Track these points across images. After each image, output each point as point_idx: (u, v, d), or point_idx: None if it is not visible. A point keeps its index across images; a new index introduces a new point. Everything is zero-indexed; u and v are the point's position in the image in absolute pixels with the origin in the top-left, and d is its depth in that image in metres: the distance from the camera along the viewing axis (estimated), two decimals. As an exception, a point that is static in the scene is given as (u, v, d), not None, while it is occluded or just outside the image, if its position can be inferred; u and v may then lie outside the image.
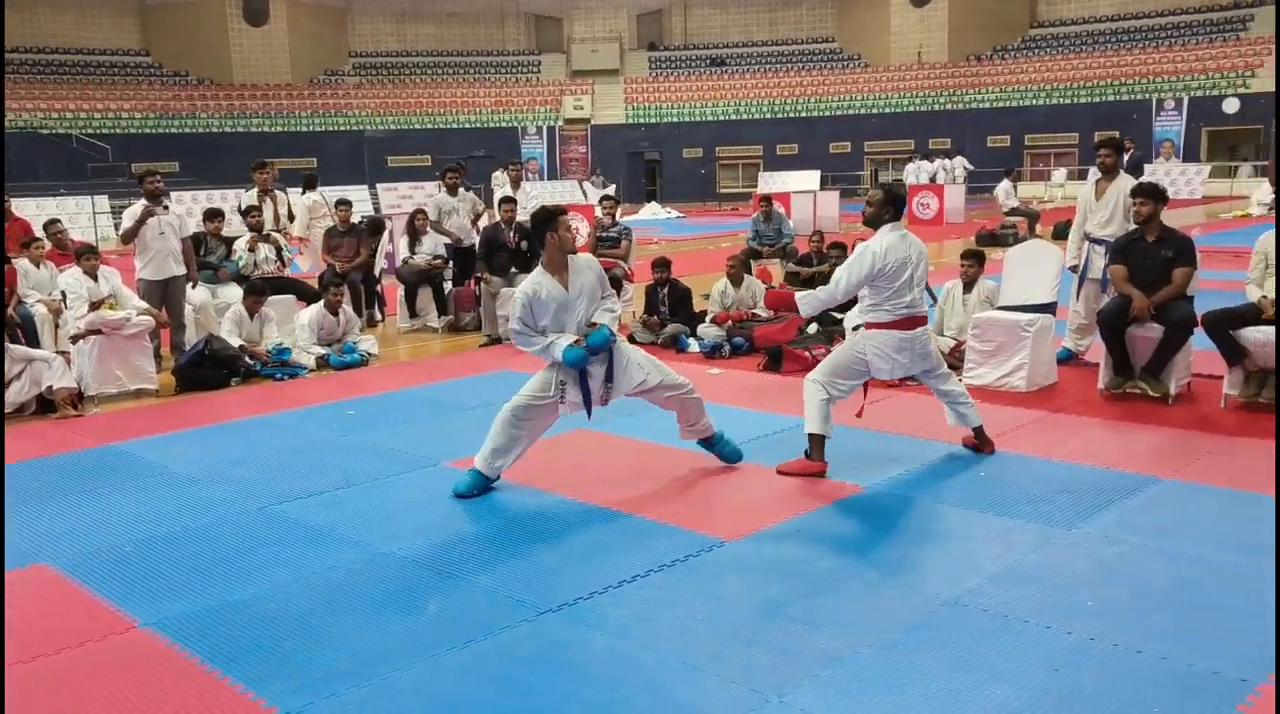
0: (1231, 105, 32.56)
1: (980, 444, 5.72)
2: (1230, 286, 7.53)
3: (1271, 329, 6.23)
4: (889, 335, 5.37)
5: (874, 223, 5.41)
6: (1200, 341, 6.61)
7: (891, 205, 5.41)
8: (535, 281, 5.18)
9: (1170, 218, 7.09)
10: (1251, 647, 3.40)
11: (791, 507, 4.93)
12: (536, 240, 5.27)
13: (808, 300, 5.53)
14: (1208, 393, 6.73)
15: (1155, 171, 28.25)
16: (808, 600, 3.89)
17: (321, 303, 9.11)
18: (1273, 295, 6.34)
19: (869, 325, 5.45)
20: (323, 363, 8.75)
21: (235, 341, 8.46)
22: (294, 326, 9.06)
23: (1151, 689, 3.17)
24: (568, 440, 6.03)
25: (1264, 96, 32.24)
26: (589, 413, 5.29)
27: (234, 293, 9.31)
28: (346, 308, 9.35)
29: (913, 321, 5.40)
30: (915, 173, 28.51)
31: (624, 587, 4.04)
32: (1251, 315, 6.36)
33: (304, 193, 12.97)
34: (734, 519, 4.81)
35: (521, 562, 4.36)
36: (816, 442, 5.43)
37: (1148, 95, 34.75)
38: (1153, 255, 6.74)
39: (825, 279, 9.19)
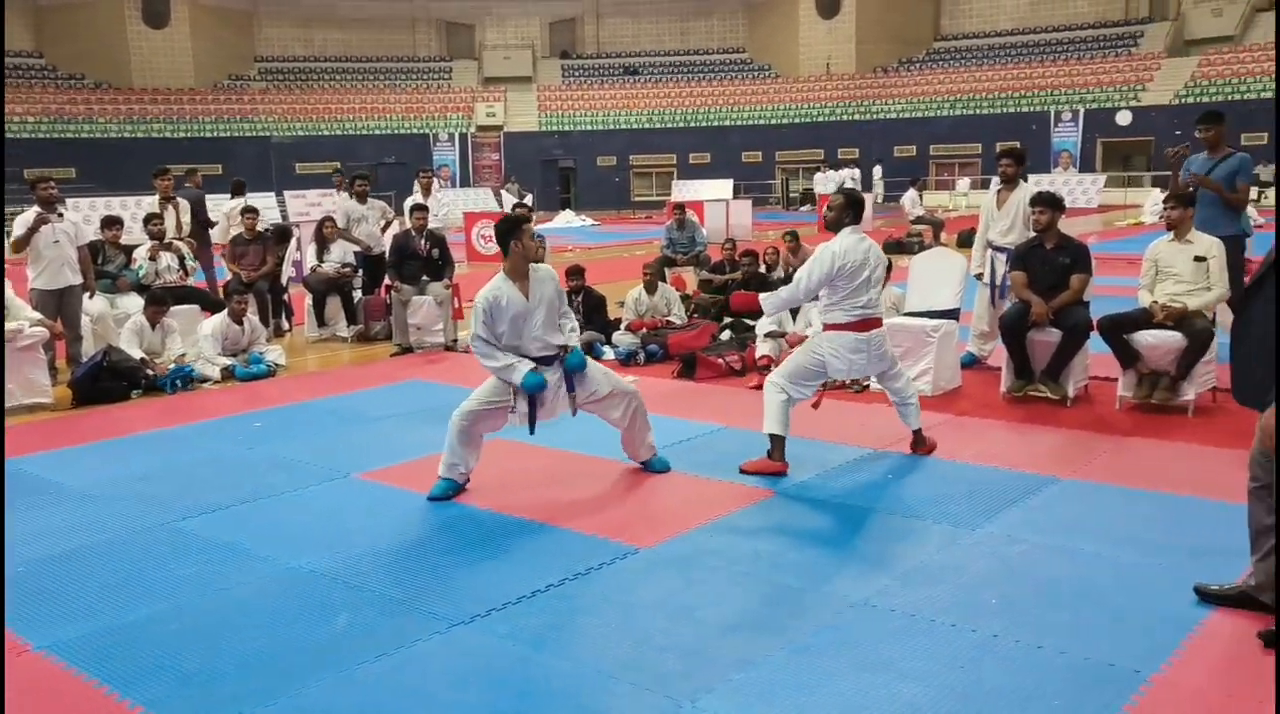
0: (1124, 118, 33.79)
1: (917, 444, 5.91)
2: (1124, 292, 7.81)
3: (1162, 332, 6.49)
4: (846, 336, 5.53)
5: (835, 226, 5.62)
6: (1096, 345, 6.84)
7: (852, 209, 5.63)
8: (496, 287, 5.18)
9: (1068, 226, 7.33)
10: (1144, 639, 3.53)
11: (705, 512, 4.96)
12: (501, 247, 5.28)
13: (771, 300, 5.80)
14: (1104, 395, 6.97)
15: (1054, 181, 29.25)
16: (720, 605, 3.92)
17: (225, 312, 8.89)
18: (1163, 300, 6.60)
19: (827, 326, 5.61)
20: (228, 374, 8.54)
21: (136, 353, 8.20)
22: (197, 337, 8.82)
23: (1051, 683, 3.27)
24: (482, 450, 5.97)
25: (1154, 109, 33.59)
26: (532, 428, 5.32)
27: (134, 303, 9.04)
28: (252, 317, 9.15)
29: (869, 323, 5.57)
30: (824, 182, 29.05)
31: (537, 596, 4.03)
32: (1143, 320, 6.61)
33: (232, 198, 12.90)
34: (648, 526, 4.82)
35: (434, 573, 4.31)
36: (777, 442, 5.56)
37: (1046, 107, 35.89)
38: (1051, 262, 6.96)
39: (741, 286, 9.35)
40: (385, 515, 5.06)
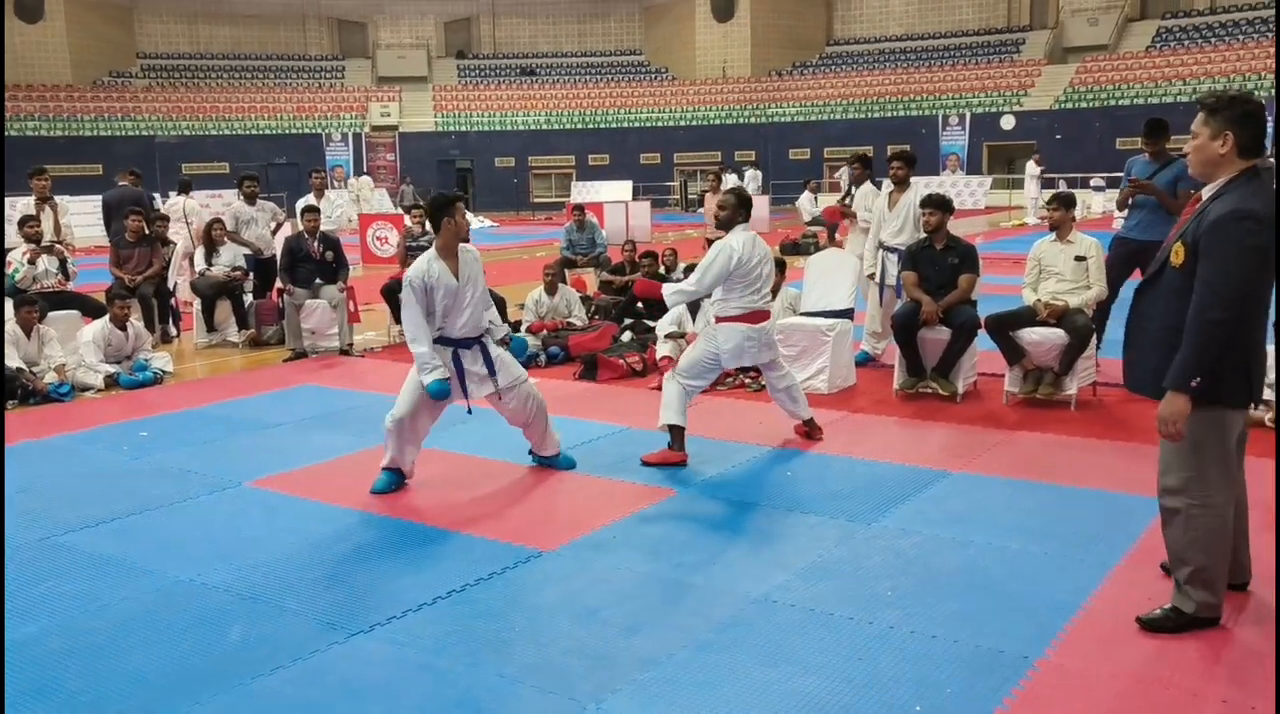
0: (1008, 122, 34.96)
1: (810, 431, 6.17)
2: (1010, 291, 8.08)
3: (1046, 329, 6.74)
4: (738, 327, 5.78)
5: (727, 225, 5.84)
6: (984, 342, 7.06)
7: (743, 209, 5.87)
8: (428, 262, 5.21)
9: (956, 227, 7.55)
10: (1031, 625, 3.66)
11: (607, 513, 4.97)
12: (433, 224, 5.31)
13: (673, 293, 5.95)
14: (991, 390, 7.21)
15: (943, 183, 30.05)
16: (623, 605, 3.93)
17: (107, 318, 8.55)
18: (1046, 298, 6.84)
19: (719, 319, 5.84)
20: (111, 382, 8.22)
21: (13, 362, 7.83)
22: (78, 344, 8.46)
23: (945, 670, 3.37)
24: (377, 455, 5.87)
25: (1036, 114, 34.83)
26: (469, 406, 5.42)
27: (7, 309, 8.63)
28: (136, 322, 8.82)
29: (759, 315, 5.84)
30: (751, 181, 29.44)
31: (439, 603, 3.98)
32: (1027, 317, 6.85)
33: (178, 196, 12.93)
34: (551, 529, 4.81)
35: (331, 583, 4.22)
36: (677, 433, 5.72)
37: (934, 111, 36.91)
38: (940, 262, 7.16)
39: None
40: (280, 524, 4.94)
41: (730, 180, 29.87)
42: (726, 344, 5.79)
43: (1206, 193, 3.49)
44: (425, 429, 5.45)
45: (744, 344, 5.80)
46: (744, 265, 5.66)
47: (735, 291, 5.74)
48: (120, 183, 11.75)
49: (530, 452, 5.79)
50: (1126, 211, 7.49)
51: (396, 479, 5.38)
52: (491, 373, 5.39)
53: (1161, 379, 3.42)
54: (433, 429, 5.55)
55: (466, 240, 5.48)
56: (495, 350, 5.46)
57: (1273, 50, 33.00)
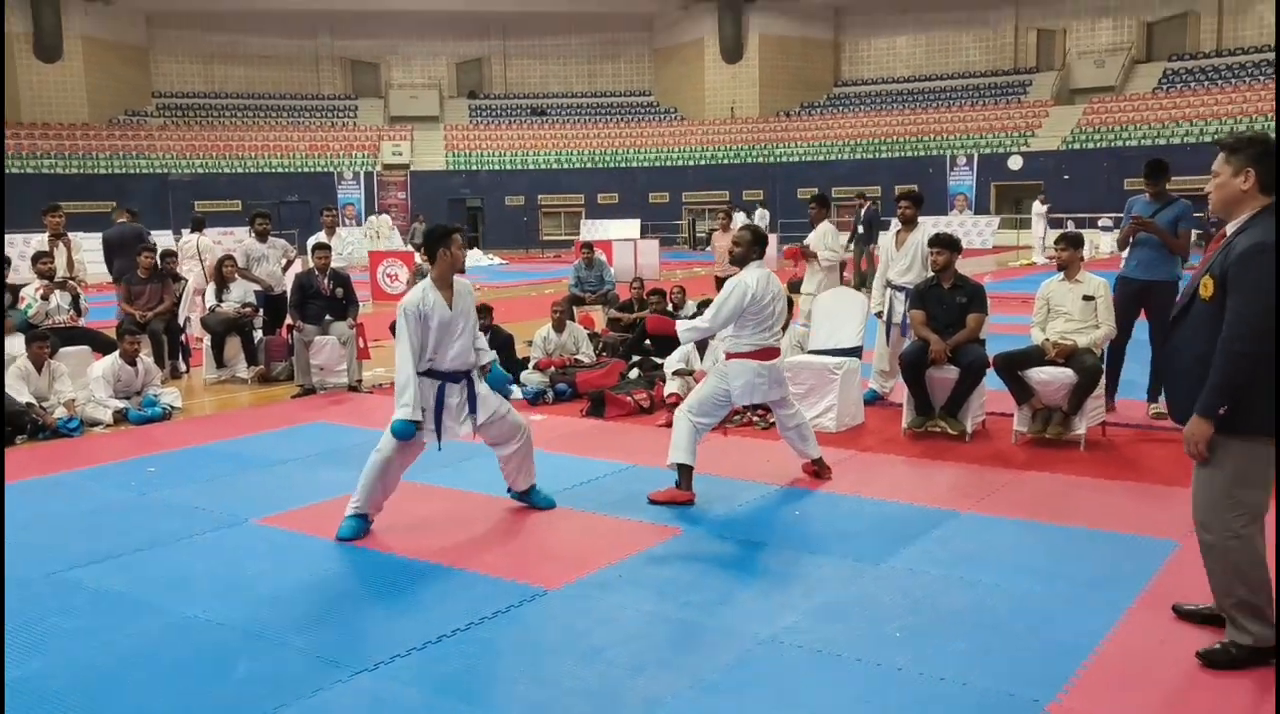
0: (1016, 162, 35.10)
1: (819, 471, 6.14)
2: (1018, 330, 8.07)
3: (1054, 369, 6.72)
4: (748, 364, 5.77)
5: (742, 261, 5.85)
6: (992, 382, 7.05)
7: (758, 245, 5.90)
8: (423, 291, 5.23)
9: (964, 266, 7.56)
10: (1042, 668, 3.62)
11: (613, 552, 4.95)
12: (429, 255, 5.34)
13: (686, 329, 5.99)
14: (1000, 430, 7.18)
15: (951, 223, 30.15)
16: (628, 645, 3.90)
17: (117, 353, 8.59)
18: (1054, 338, 6.83)
19: (729, 355, 5.84)
20: (121, 417, 8.24)
21: (23, 397, 7.86)
22: (88, 380, 8.49)
23: (954, 713, 3.33)
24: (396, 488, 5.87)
25: (1043, 154, 34.97)
26: (439, 442, 5.34)
27: (20, 345, 8.66)
28: (145, 358, 8.86)
29: (770, 352, 5.85)
30: (762, 219, 29.70)
31: (444, 641, 3.95)
32: (1036, 357, 6.84)
33: (191, 233, 12.88)
34: (556, 567, 4.79)
35: (335, 620, 4.20)
36: (685, 472, 5.70)
37: (942, 152, 37.07)
38: (948, 301, 7.17)
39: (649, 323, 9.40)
40: (286, 561, 4.92)
41: (740, 219, 30.16)
42: (737, 381, 5.78)
43: (1231, 228, 3.58)
44: (405, 467, 5.35)
45: (754, 381, 5.79)
46: (757, 302, 5.68)
47: (747, 328, 5.75)
48: (119, 220, 11.83)
49: (508, 489, 5.71)
50: (1127, 250, 7.50)
51: (363, 526, 5.25)
52: (473, 411, 5.34)
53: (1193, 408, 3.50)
54: (435, 466, 5.54)
55: (462, 272, 5.50)
56: (481, 387, 5.41)
57: (1279, 92, 33.17)
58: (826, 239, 9.02)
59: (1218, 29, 38.03)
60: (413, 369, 5.16)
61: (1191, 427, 3.50)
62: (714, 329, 5.89)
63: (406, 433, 5.13)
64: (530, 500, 5.67)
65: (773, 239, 26.67)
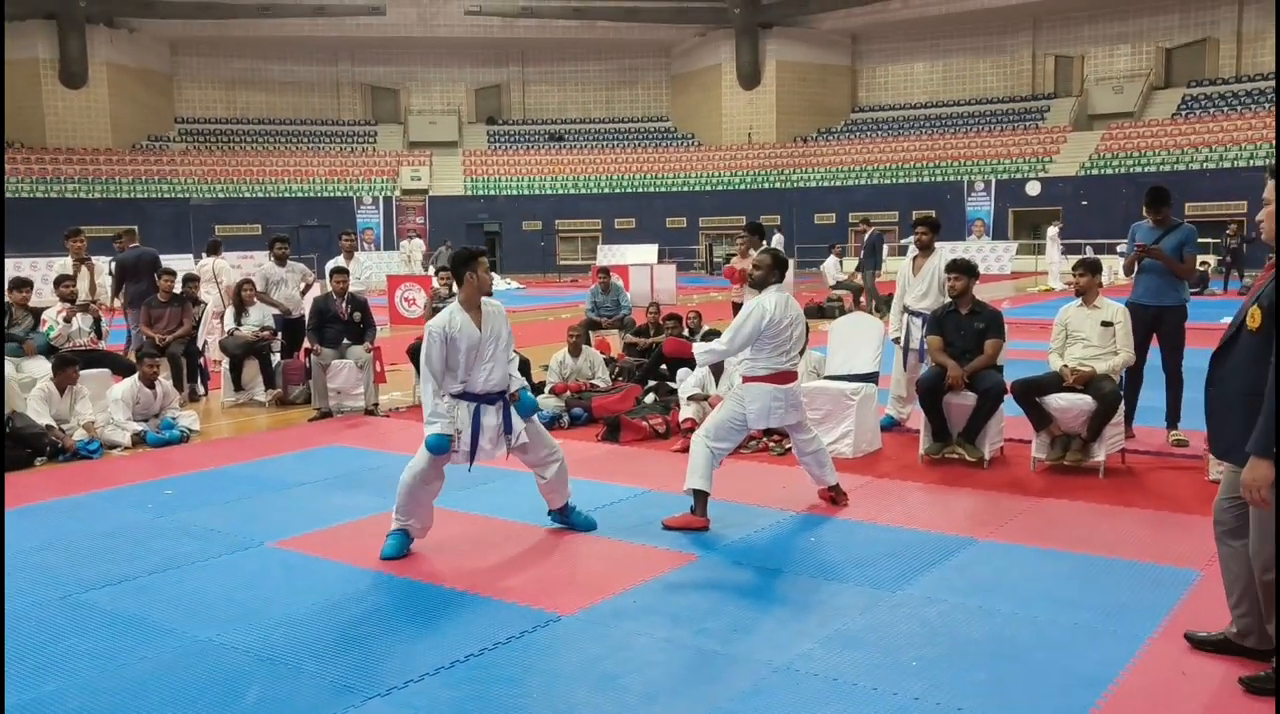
0: (1034, 188, 35.04)
1: (835, 498, 6.10)
2: (1036, 356, 8.03)
3: (1073, 395, 6.67)
4: (764, 387, 5.77)
5: (761, 285, 5.85)
6: (1010, 408, 7.00)
7: (778, 269, 5.88)
8: (450, 313, 5.28)
9: (981, 292, 7.53)
10: (1061, 699, 3.57)
11: (627, 578, 4.92)
12: (455, 278, 5.37)
13: (704, 352, 5.99)
14: (1018, 456, 7.12)
15: (968, 249, 30.12)
16: (643, 673, 3.87)
17: (136, 376, 8.65)
18: (1073, 364, 6.79)
19: (746, 378, 5.83)
20: (139, 440, 8.28)
21: (43, 420, 7.91)
22: (107, 402, 8.54)
23: (972, 745, 3.28)
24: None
25: (1062, 180, 34.92)
26: (470, 464, 5.39)
27: (41, 367, 8.74)
28: (164, 381, 8.92)
29: (786, 376, 5.83)
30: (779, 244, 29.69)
31: (457, 667, 3.94)
32: (1054, 383, 6.79)
33: (208, 257, 13.16)
34: (570, 593, 4.76)
35: (349, 644, 4.19)
36: (700, 498, 5.68)
37: (959, 177, 37.07)
38: (966, 327, 7.14)
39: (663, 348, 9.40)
40: (300, 585, 4.92)
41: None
42: (753, 405, 5.77)
43: None
44: (438, 487, 5.40)
45: (770, 405, 5.77)
46: (775, 326, 5.68)
47: (764, 352, 5.74)
48: (131, 245, 11.93)
49: (549, 511, 5.76)
50: (1134, 277, 7.46)
51: (407, 542, 5.32)
52: (508, 431, 5.39)
53: (1245, 445, 3.38)
54: (452, 490, 5.53)
55: (489, 294, 5.52)
56: (512, 410, 5.46)
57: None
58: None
59: (1237, 55, 37.97)
60: (435, 387, 5.20)
61: (1250, 470, 3.33)
62: (731, 352, 5.88)
63: (441, 447, 5.16)
64: (569, 521, 5.70)
65: (792, 266, 26.83)
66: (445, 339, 5.20)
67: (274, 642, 4.22)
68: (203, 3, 40.82)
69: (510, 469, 7.10)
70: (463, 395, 5.29)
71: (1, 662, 3.75)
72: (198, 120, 43.87)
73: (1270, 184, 3.52)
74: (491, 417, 5.33)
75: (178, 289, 10.70)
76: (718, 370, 8.21)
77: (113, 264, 11.59)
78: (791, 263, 27.02)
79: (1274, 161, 3.95)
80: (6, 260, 17.07)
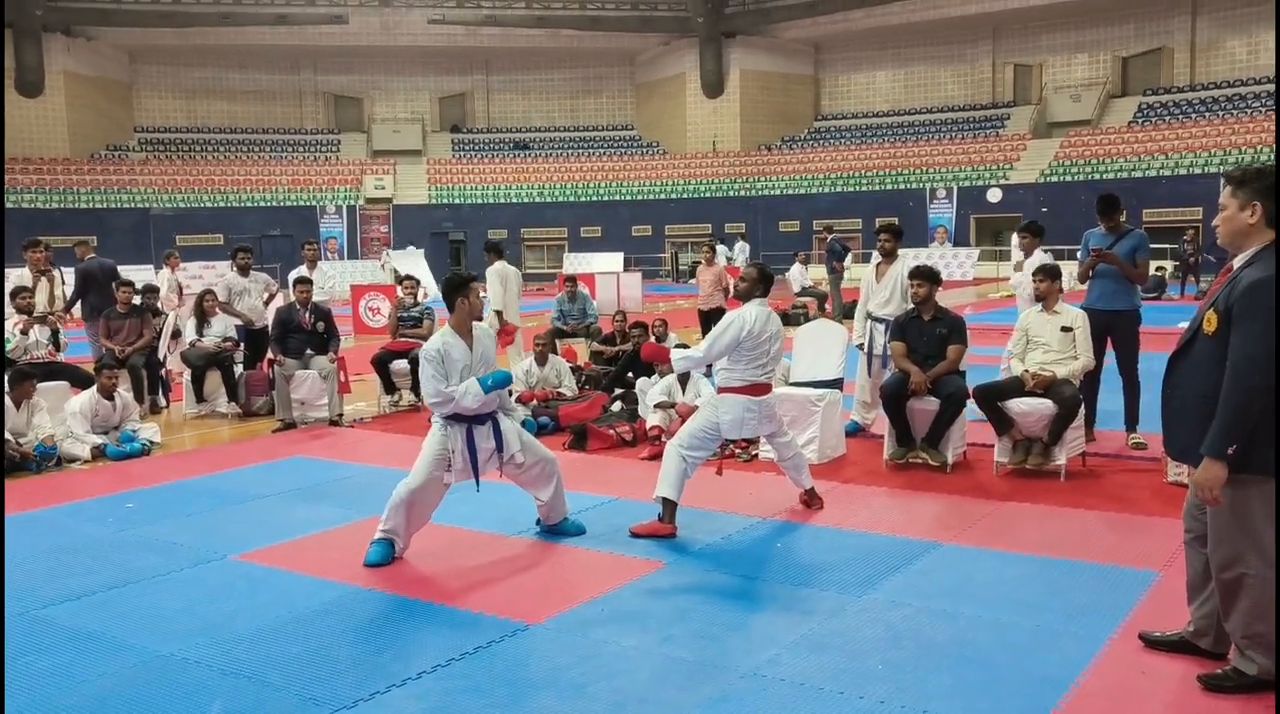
0: (995, 195, 35.43)
1: (810, 501, 6.19)
2: (998, 361, 8.10)
3: (1034, 400, 6.75)
4: (739, 399, 5.84)
5: (745, 297, 5.96)
6: (973, 412, 7.07)
7: (763, 283, 6.00)
8: (444, 339, 5.42)
9: (944, 298, 7.60)
10: (1024, 701, 3.61)
11: (595, 586, 4.92)
12: (448, 304, 5.51)
13: (681, 358, 6.10)
14: (981, 461, 7.19)
15: (931, 255, 30.36)
16: (610, 681, 3.87)
17: (94, 388, 8.53)
18: (1033, 369, 6.87)
19: (722, 389, 5.91)
20: (98, 453, 8.17)
21: (-2, 433, 7.78)
22: (65, 415, 8.42)
23: (937, 747, 3.31)
24: (364, 528, 5.82)
25: (1022, 187, 35.32)
26: (477, 482, 5.47)
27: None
28: (124, 393, 8.80)
29: (762, 388, 5.91)
30: (740, 253, 29.94)
31: (423, 678, 3.92)
32: (1015, 388, 6.87)
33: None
34: (538, 601, 4.75)
35: (314, 657, 4.16)
36: (669, 506, 5.72)
37: (922, 185, 37.40)
38: (929, 332, 7.21)
39: (632, 357, 9.42)
40: (264, 598, 4.87)
41: (720, 251, 30.37)
42: (727, 416, 5.83)
43: (1237, 262, 3.57)
44: (434, 505, 5.44)
45: (744, 416, 5.84)
46: (754, 337, 5.76)
47: (740, 363, 5.81)
48: (90, 256, 11.74)
49: (537, 522, 5.79)
50: (1088, 284, 7.57)
51: (390, 552, 5.32)
52: (499, 448, 5.47)
53: (1195, 448, 3.46)
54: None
55: (479, 318, 5.65)
56: (504, 422, 5.55)
57: (1250, 126, 33.68)
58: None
59: (1190, 64, 38.63)
60: (446, 384, 5.29)
61: (1203, 471, 3.42)
62: (708, 359, 5.96)
63: (506, 378, 5.39)
64: (561, 529, 5.76)
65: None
66: (442, 361, 5.32)
67: (237, 655, 4.18)
68: (162, 11, 40.47)
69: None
70: (455, 417, 5.37)
71: (1, 662, 3.69)
72: (158, 129, 43.39)
73: (1227, 189, 3.59)
74: (484, 437, 5.43)
75: (137, 300, 10.58)
76: (684, 379, 8.23)
77: (73, 275, 11.43)
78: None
79: (1235, 167, 3.95)
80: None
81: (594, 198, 41.08)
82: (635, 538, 5.62)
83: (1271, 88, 35.84)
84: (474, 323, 5.53)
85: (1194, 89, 38.18)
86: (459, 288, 5.46)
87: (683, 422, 7.87)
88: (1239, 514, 3.50)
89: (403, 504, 5.28)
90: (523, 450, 5.57)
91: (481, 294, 5.83)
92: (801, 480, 6.19)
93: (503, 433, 5.49)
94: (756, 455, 7.54)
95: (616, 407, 8.92)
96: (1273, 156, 30.19)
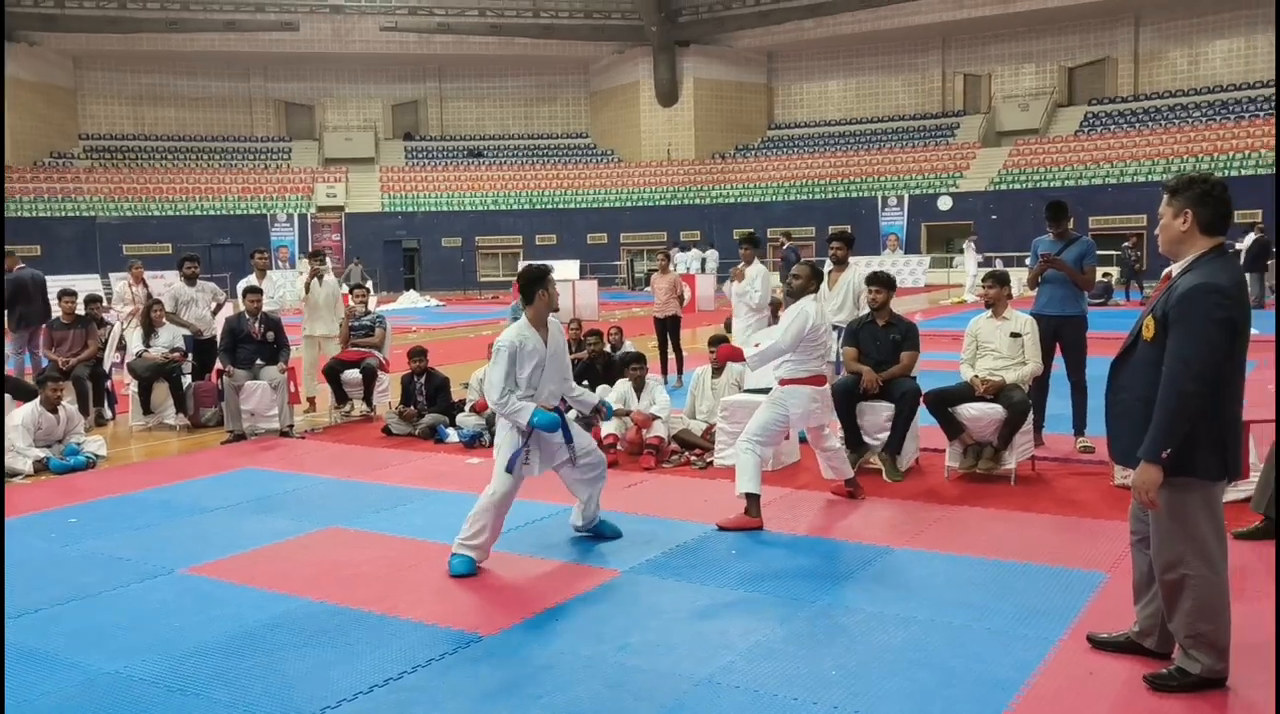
0: (945, 203, 35.86)
1: (853, 491, 6.53)
2: (949, 367, 8.20)
3: (984, 405, 6.83)
4: (804, 390, 6.18)
5: (799, 294, 6.26)
6: (924, 418, 7.14)
7: (815, 280, 6.39)
8: (520, 333, 5.35)
9: (896, 305, 7.68)
10: (974, 703, 3.65)
11: (550, 595, 4.90)
12: (525, 297, 5.44)
13: (756, 355, 6.23)
14: (932, 465, 7.27)
15: (884, 262, 30.68)
16: (565, 692, 3.85)
17: (38, 400, 8.35)
18: (983, 374, 6.95)
19: (784, 381, 6.21)
20: (41, 467, 8.00)
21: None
22: (6, 429, 8.23)
23: (890, 752, 3.33)
24: (316, 540, 5.77)
25: (972, 195, 35.80)
26: (538, 469, 5.45)
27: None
28: (67, 405, 8.62)
29: (821, 378, 6.32)
30: (685, 262, 30.00)
31: (374, 692, 3.87)
32: (966, 393, 6.95)
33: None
34: (491, 612, 4.72)
35: (263, 672, 4.09)
36: (753, 500, 5.92)
37: (873, 193, 37.76)
38: (882, 338, 7.27)
39: (587, 365, 9.39)
40: (213, 612, 4.79)
41: (678, 257, 30.46)
42: (796, 408, 6.15)
43: (1176, 269, 3.62)
44: (511, 505, 5.44)
45: (810, 406, 6.18)
46: (815, 330, 6.07)
47: (804, 355, 6.11)
48: (19, 267, 11.48)
49: (576, 526, 5.80)
50: (1037, 290, 7.68)
51: (474, 564, 5.26)
52: (568, 441, 5.46)
53: (1135, 451, 3.51)
54: (370, 512, 5.45)
55: (557, 309, 5.63)
56: (570, 416, 5.60)
57: (1191, 135, 34.43)
58: (755, 282, 9.12)
59: (1134, 75, 39.40)
60: (504, 391, 5.24)
61: (1140, 474, 3.49)
62: (784, 350, 6.11)
63: (554, 422, 5.26)
64: (599, 531, 5.77)
65: (709, 281, 27.18)
66: (513, 356, 5.27)
67: (184, 672, 4.10)
68: (108, 16, 39.78)
69: (427, 488, 7.04)
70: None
71: (1, 663, 3.59)
72: (104, 136, 42.66)
73: (1164, 198, 3.66)
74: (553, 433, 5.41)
75: (81, 311, 10.39)
76: (639, 387, 8.23)
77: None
78: (711, 278, 27.02)
79: (1172, 176, 4.03)
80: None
81: (549, 206, 41.02)
82: (723, 531, 5.81)
83: (1209, 98, 36.76)
84: (549, 316, 5.47)
85: (1137, 99, 38.96)
86: (538, 280, 5.40)
87: (639, 430, 7.88)
88: (1178, 518, 3.56)
89: (491, 507, 5.25)
90: (588, 451, 5.61)
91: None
92: (844, 470, 6.49)
93: (571, 427, 5.52)
94: (711, 462, 7.55)
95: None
96: (1201, 165, 30.91)
